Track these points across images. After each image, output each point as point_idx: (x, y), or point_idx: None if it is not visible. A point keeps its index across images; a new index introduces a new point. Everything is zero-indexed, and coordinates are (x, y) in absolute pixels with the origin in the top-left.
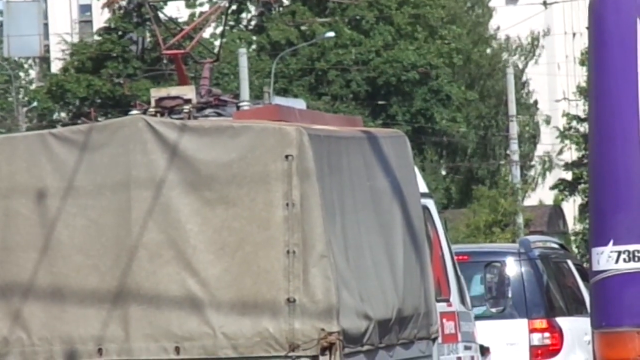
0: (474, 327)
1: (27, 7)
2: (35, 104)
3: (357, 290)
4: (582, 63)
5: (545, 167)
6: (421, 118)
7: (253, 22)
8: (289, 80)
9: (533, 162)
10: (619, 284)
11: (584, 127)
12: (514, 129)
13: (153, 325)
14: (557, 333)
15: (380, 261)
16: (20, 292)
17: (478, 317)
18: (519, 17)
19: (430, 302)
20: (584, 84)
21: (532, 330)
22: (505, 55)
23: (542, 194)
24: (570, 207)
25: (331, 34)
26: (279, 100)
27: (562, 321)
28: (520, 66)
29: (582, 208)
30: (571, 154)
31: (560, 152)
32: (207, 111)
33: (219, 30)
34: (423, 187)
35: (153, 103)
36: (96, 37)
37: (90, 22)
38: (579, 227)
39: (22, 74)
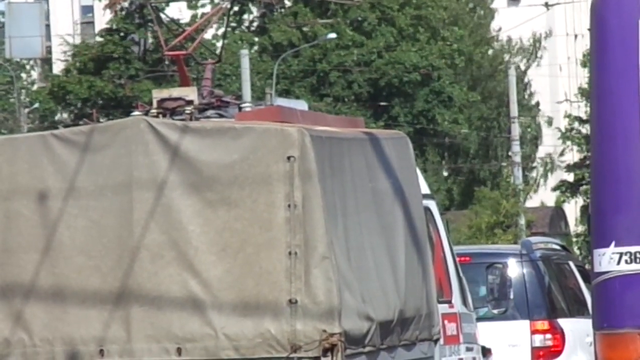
0: (476, 329)
1: (29, 9)
2: (37, 105)
3: (358, 291)
4: (584, 64)
5: (547, 168)
6: (423, 119)
7: (255, 23)
8: (291, 82)
9: (535, 164)
10: (621, 286)
11: (585, 129)
12: (516, 130)
13: (155, 326)
14: (558, 334)
15: (382, 262)
16: (22, 293)
17: (480, 319)
18: (520, 19)
19: (432, 303)
20: (585, 86)
21: (534, 332)
22: (507, 57)
23: (544, 196)
24: (572, 209)
25: (333, 35)
26: (281, 102)
27: (563, 322)
28: (522, 67)
29: (584, 209)
30: (573, 155)
31: (562, 153)
32: (209, 112)
33: (221, 31)
34: (425, 189)
35: (155, 104)
36: (98, 38)
37: (92, 23)
38: (580, 228)
39: (24, 75)
